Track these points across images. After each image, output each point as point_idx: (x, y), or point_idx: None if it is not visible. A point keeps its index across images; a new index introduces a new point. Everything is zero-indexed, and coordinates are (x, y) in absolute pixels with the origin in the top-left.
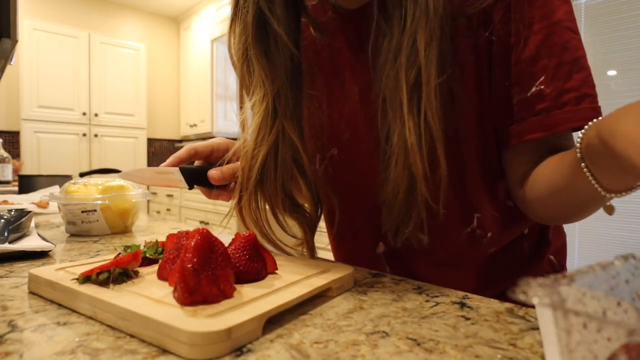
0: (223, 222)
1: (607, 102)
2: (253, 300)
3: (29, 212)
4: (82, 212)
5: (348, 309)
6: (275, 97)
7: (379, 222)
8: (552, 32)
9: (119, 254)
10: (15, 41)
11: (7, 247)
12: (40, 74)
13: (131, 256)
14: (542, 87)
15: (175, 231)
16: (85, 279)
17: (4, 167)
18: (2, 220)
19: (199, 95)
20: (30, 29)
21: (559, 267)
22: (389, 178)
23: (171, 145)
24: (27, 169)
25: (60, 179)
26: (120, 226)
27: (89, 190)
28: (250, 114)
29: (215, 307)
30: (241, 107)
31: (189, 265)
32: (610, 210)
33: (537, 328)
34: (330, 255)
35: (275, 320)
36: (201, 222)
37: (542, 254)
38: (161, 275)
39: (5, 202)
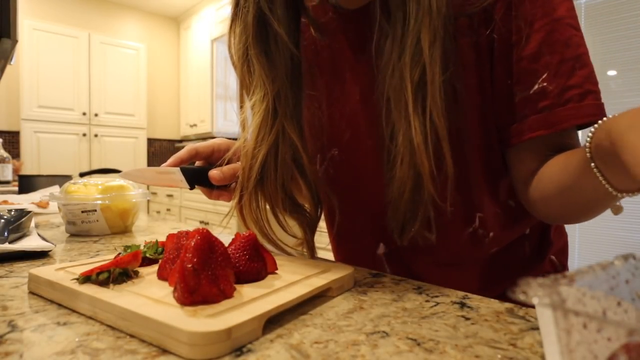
0: (223, 222)
1: (607, 102)
2: (253, 300)
3: (29, 212)
4: (82, 212)
5: (348, 309)
6: (276, 96)
7: (380, 223)
8: (553, 29)
9: (119, 254)
10: (15, 41)
11: (7, 247)
12: (40, 74)
13: (131, 256)
14: (545, 84)
15: (175, 231)
16: (85, 279)
17: (4, 167)
18: (2, 220)
19: (199, 95)
20: (30, 29)
21: (560, 267)
22: (395, 177)
23: (171, 145)
24: (27, 169)
25: (60, 179)
26: (120, 226)
27: (89, 190)
28: (250, 113)
29: (215, 307)
30: (241, 107)
31: (189, 265)
32: (617, 210)
33: (537, 328)
34: (330, 255)
35: (275, 320)
36: (201, 222)
37: (544, 254)
38: (161, 275)
39: (5, 202)
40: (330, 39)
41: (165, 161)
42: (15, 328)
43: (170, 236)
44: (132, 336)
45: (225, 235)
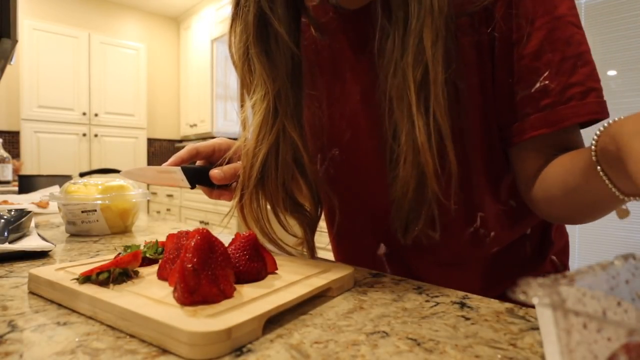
0: (223, 222)
1: (608, 102)
2: (253, 300)
3: (29, 212)
4: (82, 212)
5: (348, 309)
6: (276, 96)
7: (381, 223)
8: (555, 27)
9: (119, 254)
10: (15, 41)
11: (7, 247)
12: (40, 74)
13: (131, 256)
14: (547, 82)
15: (175, 231)
16: (85, 279)
17: (4, 167)
18: (2, 220)
19: (199, 95)
20: (30, 29)
21: (561, 267)
22: (398, 176)
23: (171, 146)
24: (27, 169)
25: (60, 179)
26: (120, 226)
27: (89, 190)
28: (251, 112)
29: (215, 307)
30: (242, 106)
31: (189, 265)
32: (624, 214)
33: (537, 328)
34: (330, 255)
35: (275, 320)
36: (201, 222)
37: (545, 254)
38: (161, 275)
39: (5, 202)
40: (331, 39)
41: (166, 161)
42: (15, 328)
43: (170, 236)
44: (132, 336)
45: (225, 235)
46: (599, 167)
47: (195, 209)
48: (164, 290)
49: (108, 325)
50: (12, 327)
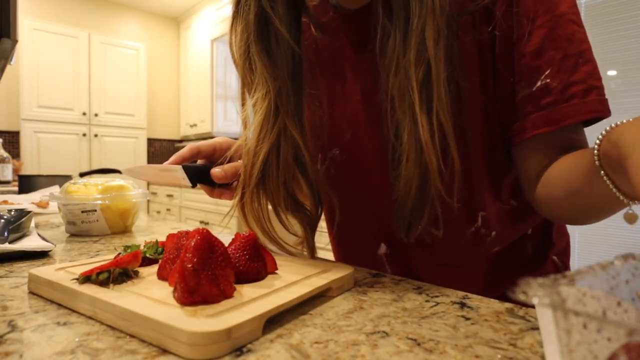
0: (223, 222)
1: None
2: (253, 300)
3: (29, 212)
4: (82, 212)
5: (348, 309)
6: (277, 94)
7: (381, 223)
8: (556, 25)
9: (119, 254)
10: (15, 41)
11: (7, 247)
12: (40, 74)
13: (131, 256)
14: (548, 80)
15: (175, 231)
16: (85, 279)
17: (4, 167)
18: (2, 220)
19: (199, 95)
20: (30, 29)
21: (562, 267)
22: (401, 175)
23: (171, 145)
24: (27, 169)
25: (60, 179)
26: (120, 226)
27: (89, 190)
28: (251, 111)
29: (215, 307)
30: (243, 105)
31: (189, 265)
32: (632, 219)
33: (537, 328)
34: (330, 255)
35: (275, 320)
36: (201, 222)
37: (546, 254)
38: (161, 276)
39: (5, 202)
40: (331, 38)
41: (166, 161)
42: (15, 328)
43: (170, 236)
44: (132, 336)
45: (225, 235)
46: (602, 172)
47: (195, 209)
48: (164, 291)
49: (108, 325)
50: (12, 327)
